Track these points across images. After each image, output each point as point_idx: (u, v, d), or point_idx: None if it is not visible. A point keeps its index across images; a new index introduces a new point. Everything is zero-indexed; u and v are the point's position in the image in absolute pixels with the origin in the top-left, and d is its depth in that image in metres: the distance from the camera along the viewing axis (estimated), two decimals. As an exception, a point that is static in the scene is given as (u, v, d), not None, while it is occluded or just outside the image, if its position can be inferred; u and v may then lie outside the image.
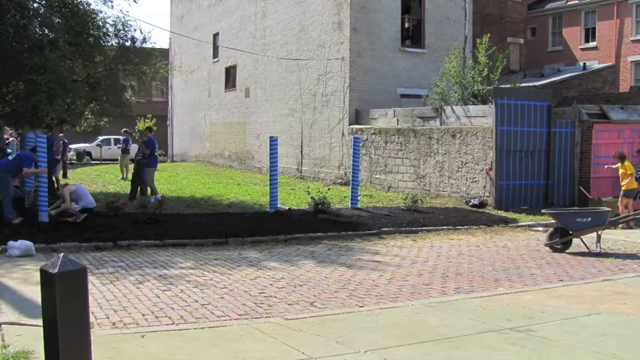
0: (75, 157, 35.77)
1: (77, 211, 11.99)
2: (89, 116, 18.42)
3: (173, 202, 15.36)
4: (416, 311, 6.83)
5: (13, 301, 6.84)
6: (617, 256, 10.61)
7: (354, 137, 15.34)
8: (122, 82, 18.16)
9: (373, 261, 9.73)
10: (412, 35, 22.91)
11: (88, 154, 38.34)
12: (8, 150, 14.10)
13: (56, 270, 3.85)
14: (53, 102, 14.85)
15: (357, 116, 21.07)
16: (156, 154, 16.09)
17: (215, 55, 31.56)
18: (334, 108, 21.71)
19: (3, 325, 5.92)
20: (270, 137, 14.67)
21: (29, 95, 14.96)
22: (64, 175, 22.50)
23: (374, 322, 6.38)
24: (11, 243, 9.43)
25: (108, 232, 10.96)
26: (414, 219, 13.34)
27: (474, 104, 20.21)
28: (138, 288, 7.58)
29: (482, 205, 15.27)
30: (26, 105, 14.87)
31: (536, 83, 26.33)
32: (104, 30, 17.16)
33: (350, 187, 15.18)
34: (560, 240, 10.77)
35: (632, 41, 32.36)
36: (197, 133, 34.39)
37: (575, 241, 11.01)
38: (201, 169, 27.88)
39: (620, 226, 13.31)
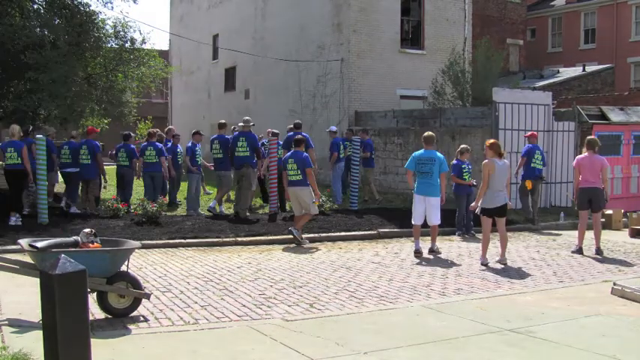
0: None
1: None
2: (90, 117, 18.43)
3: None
4: (416, 312, 6.83)
5: (13, 302, 6.85)
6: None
7: (354, 138, 15.34)
8: (122, 83, 18.19)
9: (373, 262, 9.73)
10: (412, 36, 22.92)
11: None
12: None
13: (56, 271, 3.85)
14: (55, 100, 14.90)
15: (357, 117, 21.07)
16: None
17: (215, 56, 31.56)
18: (334, 109, 21.71)
19: (2, 326, 5.92)
20: (271, 140, 14.67)
21: (31, 93, 15.00)
22: None
23: (374, 323, 6.38)
24: None
25: (109, 233, 10.96)
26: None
27: (473, 105, 20.24)
28: (137, 289, 7.58)
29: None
30: (28, 103, 14.91)
31: (536, 84, 26.35)
32: (104, 31, 17.21)
33: (349, 189, 15.16)
34: None
35: (632, 42, 32.41)
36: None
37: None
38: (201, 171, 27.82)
39: None
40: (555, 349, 5.60)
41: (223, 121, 14.91)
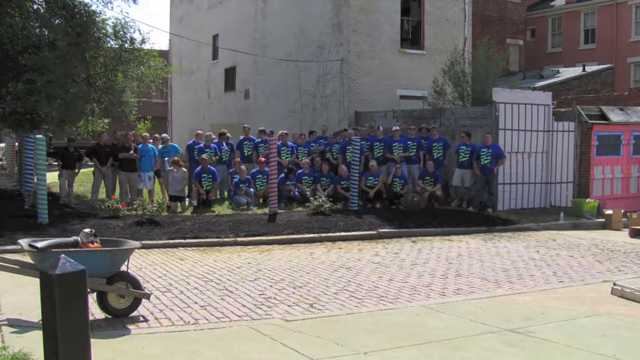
0: None
1: None
2: (91, 118, 18.40)
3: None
4: (415, 312, 6.83)
5: (13, 302, 6.85)
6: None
7: (354, 138, 15.33)
8: (122, 83, 18.18)
9: (373, 262, 9.73)
10: (412, 36, 22.89)
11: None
12: None
13: (56, 271, 3.85)
14: (52, 102, 14.91)
15: (357, 117, 21.06)
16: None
17: (215, 56, 31.54)
18: (334, 109, 21.70)
19: (2, 326, 5.92)
20: (271, 139, 14.70)
21: (28, 95, 15.02)
22: None
23: (374, 323, 6.38)
24: None
25: (109, 233, 10.96)
26: (414, 220, 13.32)
27: (473, 105, 20.22)
28: (137, 289, 7.57)
29: (482, 206, 15.25)
30: (26, 105, 14.92)
31: (536, 84, 26.33)
32: (104, 31, 17.20)
33: (350, 189, 15.14)
34: None
35: (632, 42, 32.39)
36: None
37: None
38: (201, 171, 27.83)
39: None
40: (555, 349, 5.60)
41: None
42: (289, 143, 16.71)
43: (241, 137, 17.23)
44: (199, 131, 17.28)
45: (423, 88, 21.75)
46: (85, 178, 22.95)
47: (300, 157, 16.60)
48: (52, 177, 20.97)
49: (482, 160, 15.05)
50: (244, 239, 11.33)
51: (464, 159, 15.44)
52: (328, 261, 9.80)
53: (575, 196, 16.01)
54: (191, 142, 16.51)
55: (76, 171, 15.69)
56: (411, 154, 16.21)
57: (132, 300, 6.38)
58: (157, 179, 15.82)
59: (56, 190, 17.04)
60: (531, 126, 15.82)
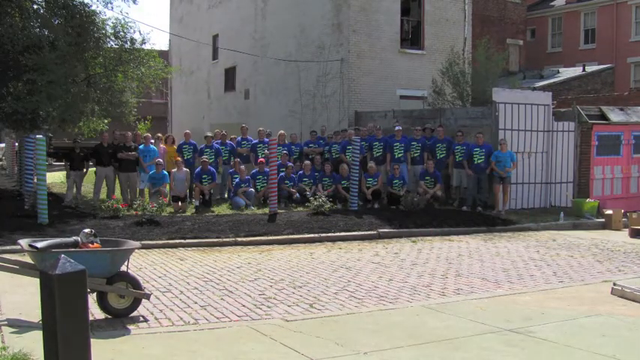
0: None
1: None
2: (91, 118, 18.39)
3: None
4: (415, 312, 6.83)
5: (13, 302, 6.85)
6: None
7: (354, 138, 15.33)
8: (122, 83, 18.18)
9: (373, 262, 9.73)
10: (411, 36, 22.89)
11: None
12: None
13: (56, 271, 3.85)
14: (53, 102, 14.93)
15: (357, 117, 21.05)
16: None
17: (215, 56, 31.54)
18: (334, 109, 21.69)
19: (2, 326, 5.92)
20: (271, 140, 14.71)
21: (29, 95, 15.03)
22: None
23: (374, 323, 6.38)
24: None
25: (109, 233, 10.96)
26: (414, 220, 13.32)
27: (473, 105, 20.22)
28: (137, 289, 7.57)
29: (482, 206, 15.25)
30: (26, 105, 14.93)
31: (536, 84, 26.33)
32: (103, 31, 17.20)
33: (350, 189, 15.14)
34: None
35: (632, 42, 32.39)
36: (197, 134, 34.21)
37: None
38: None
39: None
40: (555, 349, 5.60)
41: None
42: (287, 144, 16.74)
43: (239, 137, 17.27)
44: (187, 130, 17.26)
45: (423, 88, 21.75)
46: (86, 179, 22.98)
47: (295, 154, 16.70)
48: (52, 177, 21.02)
49: (476, 159, 15.07)
50: (244, 239, 11.33)
51: (460, 159, 15.47)
52: (328, 261, 9.80)
53: (575, 196, 16.01)
54: (181, 141, 16.49)
55: (84, 171, 15.77)
56: (415, 154, 16.15)
57: (132, 300, 6.39)
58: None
59: (56, 190, 17.04)
60: (531, 126, 15.83)
